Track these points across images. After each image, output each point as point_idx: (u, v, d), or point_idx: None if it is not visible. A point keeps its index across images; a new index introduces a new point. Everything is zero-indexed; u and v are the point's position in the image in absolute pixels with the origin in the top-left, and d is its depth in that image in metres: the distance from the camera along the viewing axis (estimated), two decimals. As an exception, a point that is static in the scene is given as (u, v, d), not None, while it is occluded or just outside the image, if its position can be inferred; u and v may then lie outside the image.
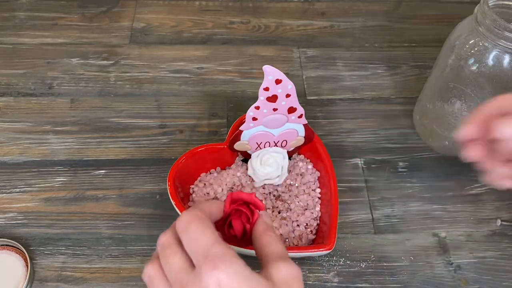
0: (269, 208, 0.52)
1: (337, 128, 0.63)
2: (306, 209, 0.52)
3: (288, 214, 0.51)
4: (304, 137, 0.52)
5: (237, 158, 0.55)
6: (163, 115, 0.63)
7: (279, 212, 0.52)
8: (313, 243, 0.51)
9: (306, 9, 0.78)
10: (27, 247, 0.51)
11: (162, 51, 0.70)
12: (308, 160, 0.55)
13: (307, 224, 0.51)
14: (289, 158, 0.54)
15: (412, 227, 0.55)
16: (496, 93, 0.51)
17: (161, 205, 0.55)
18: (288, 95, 0.45)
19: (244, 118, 0.48)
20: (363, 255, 0.52)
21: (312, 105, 0.65)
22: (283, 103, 0.46)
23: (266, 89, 0.44)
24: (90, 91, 0.65)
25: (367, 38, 0.74)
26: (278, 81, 0.44)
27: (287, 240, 0.50)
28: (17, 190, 0.56)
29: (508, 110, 0.36)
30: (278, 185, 0.53)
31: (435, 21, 0.77)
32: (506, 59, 0.49)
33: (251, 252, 0.42)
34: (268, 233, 0.37)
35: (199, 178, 0.54)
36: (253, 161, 0.53)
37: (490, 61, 0.49)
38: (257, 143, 0.51)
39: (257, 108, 0.46)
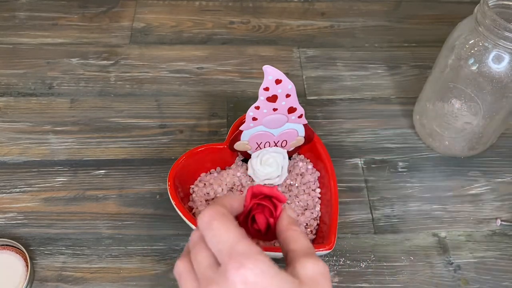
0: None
1: (337, 128, 0.63)
2: (306, 209, 0.52)
3: (288, 214, 0.51)
4: (304, 137, 0.52)
5: (237, 158, 0.55)
6: (163, 115, 0.63)
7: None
8: (313, 243, 0.51)
9: (306, 9, 0.78)
10: (27, 247, 0.51)
11: (162, 51, 0.71)
12: (308, 160, 0.55)
13: (307, 224, 0.51)
14: (289, 158, 0.54)
15: (412, 227, 0.55)
16: (496, 93, 0.51)
17: (161, 205, 0.55)
18: (288, 95, 0.45)
19: (244, 118, 0.48)
20: (363, 255, 0.52)
21: (312, 105, 0.65)
22: (283, 103, 0.46)
23: (266, 89, 0.44)
24: (90, 91, 0.65)
25: (367, 38, 0.74)
26: (278, 81, 0.44)
27: (287, 240, 0.50)
28: (17, 190, 0.56)
29: None
30: (278, 185, 0.53)
31: (435, 21, 0.77)
32: (506, 59, 0.49)
33: (272, 254, 0.42)
34: (293, 228, 0.36)
35: (199, 178, 0.54)
36: (253, 161, 0.53)
37: (490, 61, 0.49)
38: (257, 143, 0.51)
39: (257, 108, 0.46)
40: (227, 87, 0.67)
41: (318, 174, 0.54)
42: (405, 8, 0.79)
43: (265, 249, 0.44)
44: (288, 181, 0.53)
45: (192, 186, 0.53)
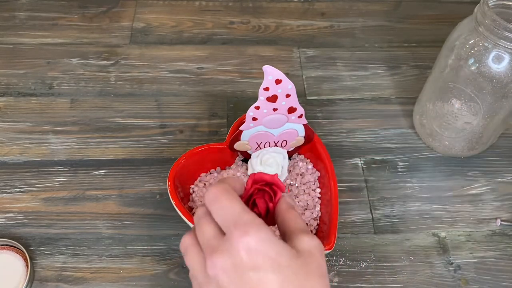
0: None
1: (337, 128, 0.63)
2: (306, 209, 0.52)
3: (288, 214, 0.51)
4: (304, 137, 0.52)
5: (237, 158, 0.55)
6: (163, 115, 0.63)
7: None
8: (313, 243, 0.51)
9: (306, 9, 0.78)
10: (27, 247, 0.51)
11: (162, 51, 0.71)
12: (308, 160, 0.55)
13: (307, 224, 0.51)
14: (289, 158, 0.54)
15: (412, 227, 0.55)
16: (496, 93, 0.51)
17: (161, 205, 0.55)
18: (288, 95, 0.45)
19: (244, 118, 0.48)
20: (363, 255, 0.52)
21: (312, 105, 0.65)
22: (283, 103, 0.46)
23: (266, 89, 0.44)
24: (90, 91, 0.65)
25: (367, 38, 0.74)
26: (278, 81, 0.44)
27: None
28: (17, 190, 0.56)
29: None
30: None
31: (435, 21, 0.77)
32: (506, 59, 0.49)
33: None
34: (291, 211, 0.38)
35: (199, 178, 0.54)
36: (253, 161, 0.53)
37: (490, 61, 0.49)
38: (257, 143, 0.51)
39: (257, 108, 0.46)
40: (227, 87, 0.67)
41: (318, 174, 0.54)
42: (405, 8, 0.79)
43: None
44: (288, 181, 0.53)
45: (192, 186, 0.53)
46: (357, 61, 0.71)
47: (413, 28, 0.76)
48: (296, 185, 0.53)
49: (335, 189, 0.50)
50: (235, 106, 0.64)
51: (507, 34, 0.47)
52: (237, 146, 0.52)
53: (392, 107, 0.65)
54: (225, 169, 0.55)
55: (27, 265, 0.49)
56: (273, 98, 0.45)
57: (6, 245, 0.51)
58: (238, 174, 0.53)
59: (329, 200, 0.50)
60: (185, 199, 0.52)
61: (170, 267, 0.51)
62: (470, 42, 0.50)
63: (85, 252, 0.52)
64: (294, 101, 0.46)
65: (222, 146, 0.53)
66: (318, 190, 0.53)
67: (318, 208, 0.52)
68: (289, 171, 0.54)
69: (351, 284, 0.51)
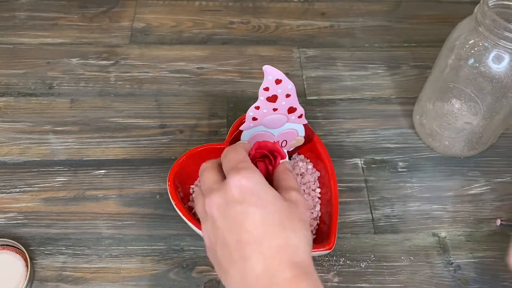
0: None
1: (337, 128, 0.63)
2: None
3: (288, 214, 0.51)
4: (304, 137, 0.52)
5: (237, 158, 0.55)
6: (163, 115, 0.63)
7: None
8: (313, 243, 0.51)
9: (306, 9, 0.78)
10: (27, 247, 0.51)
11: (162, 51, 0.71)
12: (308, 160, 0.55)
13: (307, 224, 0.51)
14: (289, 158, 0.54)
15: (412, 227, 0.55)
16: (496, 93, 0.51)
17: (161, 205, 0.55)
18: (288, 95, 0.45)
19: (244, 118, 0.48)
20: (363, 255, 0.52)
21: (312, 105, 0.65)
22: (283, 103, 0.46)
23: (266, 89, 0.44)
24: (90, 91, 0.65)
25: (367, 38, 0.74)
26: (278, 81, 0.44)
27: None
28: (17, 190, 0.56)
29: None
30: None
31: (435, 21, 0.77)
32: (506, 59, 0.49)
33: None
34: (287, 173, 0.42)
35: (199, 178, 0.54)
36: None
37: (490, 61, 0.49)
38: (257, 143, 0.51)
39: (257, 108, 0.46)
40: (227, 87, 0.67)
41: (318, 174, 0.54)
42: (405, 8, 0.79)
43: None
44: (288, 181, 0.53)
45: (192, 186, 0.53)
46: (357, 61, 0.71)
47: (413, 28, 0.76)
48: (296, 185, 0.53)
49: (335, 189, 0.50)
50: (235, 106, 0.64)
51: (507, 34, 0.47)
52: (237, 146, 0.52)
53: (392, 107, 0.65)
54: (225, 169, 0.55)
55: (27, 265, 0.49)
56: (273, 98, 0.45)
57: (6, 245, 0.51)
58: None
59: (329, 200, 0.50)
60: (185, 199, 0.52)
61: (170, 267, 0.51)
62: (470, 42, 0.50)
63: (85, 252, 0.52)
64: (294, 101, 0.46)
65: (222, 146, 0.53)
66: (318, 190, 0.53)
67: (318, 208, 0.52)
68: (289, 171, 0.54)
69: (351, 284, 0.51)
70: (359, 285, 0.51)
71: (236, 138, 0.50)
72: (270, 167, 0.43)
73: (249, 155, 0.42)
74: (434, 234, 0.54)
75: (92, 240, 0.52)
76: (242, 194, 0.36)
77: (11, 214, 0.54)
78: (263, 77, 0.43)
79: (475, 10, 0.50)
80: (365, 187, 0.58)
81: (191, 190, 0.53)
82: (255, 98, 0.45)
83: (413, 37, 0.74)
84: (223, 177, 0.39)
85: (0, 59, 0.68)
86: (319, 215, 0.52)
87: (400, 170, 0.59)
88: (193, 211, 0.52)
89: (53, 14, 0.75)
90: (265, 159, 0.43)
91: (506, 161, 0.61)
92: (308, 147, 0.54)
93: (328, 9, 0.78)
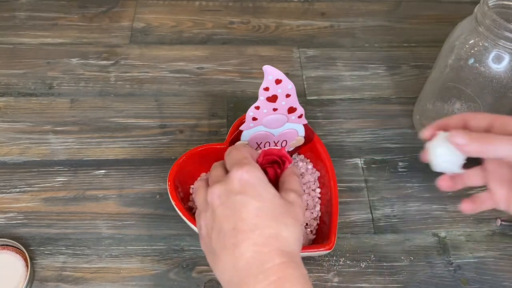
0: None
1: (337, 128, 0.63)
2: (306, 209, 0.52)
3: (288, 214, 0.51)
4: (304, 137, 0.52)
5: (237, 158, 0.55)
6: (163, 115, 0.63)
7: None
8: (313, 243, 0.51)
9: (306, 9, 0.78)
10: (27, 247, 0.51)
11: (162, 51, 0.71)
12: (308, 160, 0.55)
13: (307, 224, 0.51)
14: (289, 158, 0.54)
15: (412, 227, 0.55)
16: (496, 93, 0.51)
17: (161, 205, 0.55)
18: (288, 95, 0.45)
19: (244, 118, 0.48)
20: (363, 255, 0.52)
21: (312, 105, 0.65)
22: (283, 103, 0.46)
23: (266, 89, 0.44)
24: (90, 91, 0.65)
25: (367, 38, 0.74)
26: (278, 81, 0.44)
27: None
28: (17, 190, 0.56)
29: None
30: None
31: (435, 21, 0.77)
32: (506, 59, 0.49)
33: None
34: (293, 176, 0.43)
35: (199, 178, 0.54)
36: (253, 161, 0.52)
37: (490, 61, 0.49)
38: (257, 143, 0.51)
39: (257, 108, 0.46)
40: (227, 87, 0.67)
41: (318, 174, 0.54)
42: (405, 8, 0.79)
43: None
44: (288, 181, 0.53)
45: (192, 186, 0.53)
46: (357, 61, 0.71)
47: (413, 28, 0.76)
48: (296, 185, 0.53)
49: (335, 189, 0.50)
50: (235, 106, 0.64)
51: (507, 34, 0.47)
52: (237, 146, 0.52)
53: (392, 107, 0.65)
54: (225, 169, 0.55)
55: (27, 265, 0.49)
56: (273, 98, 0.45)
57: (6, 245, 0.51)
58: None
59: (329, 200, 0.50)
60: (185, 199, 0.52)
61: (170, 267, 0.51)
62: (470, 42, 0.50)
63: (85, 252, 0.52)
64: (294, 101, 0.46)
65: (222, 146, 0.53)
66: (318, 190, 0.53)
67: (318, 208, 0.52)
68: (289, 171, 0.54)
69: (351, 284, 0.50)
70: (359, 285, 0.51)
71: (236, 138, 0.50)
72: (279, 171, 0.44)
73: (257, 162, 0.43)
74: (434, 234, 0.54)
75: (92, 240, 0.52)
76: (243, 186, 0.38)
77: (11, 214, 0.54)
78: (263, 77, 0.43)
79: (475, 10, 0.50)
80: (365, 187, 0.57)
81: (191, 190, 0.53)
82: (255, 98, 0.45)
83: (413, 37, 0.74)
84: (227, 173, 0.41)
85: (0, 59, 0.68)
86: (319, 215, 0.52)
87: (400, 170, 0.59)
88: (193, 211, 0.52)
89: (53, 14, 0.75)
90: (274, 164, 0.45)
91: (506, 161, 0.60)
92: (308, 147, 0.54)
93: (328, 9, 0.78)
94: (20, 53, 0.69)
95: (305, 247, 0.49)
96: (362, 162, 0.60)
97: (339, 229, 0.50)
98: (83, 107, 0.63)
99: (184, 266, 0.51)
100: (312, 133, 0.52)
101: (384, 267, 0.52)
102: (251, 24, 0.75)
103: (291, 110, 0.47)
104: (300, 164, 0.54)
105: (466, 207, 0.42)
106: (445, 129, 0.40)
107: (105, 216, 0.54)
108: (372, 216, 0.55)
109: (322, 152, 0.53)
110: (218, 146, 0.53)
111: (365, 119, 0.64)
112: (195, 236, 0.52)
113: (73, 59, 0.69)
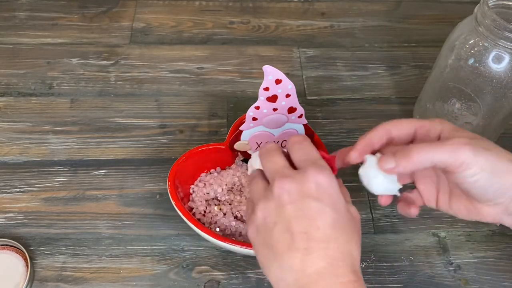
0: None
1: (337, 128, 0.63)
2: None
3: (288, 214, 0.51)
4: (304, 137, 0.52)
5: (237, 158, 0.55)
6: (163, 115, 0.63)
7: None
8: (313, 243, 0.51)
9: (306, 9, 0.78)
10: (27, 247, 0.51)
11: (162, 51, 0.71)
12: (308, 160, 0.55)
13: (307, 224, 0.51)
14: (289, 158, 0.54)
15: (412, 227, 0.55)
16: (496, 93, 0.51)
17: (161, 205, 0.55)
18: (288, 95, 0.45)
19: (244, 118, 0.48)
20: (363, 255, 0.52)
21: (312, 105, 0.65)
22: (283, 103, 0.46)
23: (266, 89, 0.44)
24: (90, 91, 0.65)
25: (367, 38, 0.74)
26: (278, 81, 0.44)
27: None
28: (17, 190, 0.56)
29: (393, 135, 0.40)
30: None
31: (435, 21, 0.77)
32: (506, 59, 0.49)
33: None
34: (344, 187, 0.42)
35: (199, 178, 0.54)
36: (253, 161, 0.52)
37: (490, 61, 0.49)
38: (257, 143, 0.51)
39: (257, 108, 0.46)
40: (227, 87, 0.67)
41: (318, 174, 0.54)
42: (405, 8, 0.79)
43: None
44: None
45: (192, 186, 0.53)
46: (357, 61, 0.71)
47: (413, 28, 0.76)
48: (296, 185, 0.53)
49: (335, 189, 0.50)
50: (235, 106, 0.64)
51: (507, 34, 0.47)
52: (237, 146, 0.52)
53: (392, 107, 0.65)
54: (225, 169, 0.55)
55: (27, 265, 0.49)
56: (273, 98, 0.45)
57: (6, 245, 0.51)
58: (238, 174, 0.53)
59: (329, 200, 0.50)
60: (185, 199, 0.52)
61: (170, 267, 0.51)
62: (470, 42, 0.50)
63: (85, 252, 0.52)
64: (294, 101, 0.47)
65: (222, 146, 0.53)
66: (318, 190, 0.53)
67: (318, 208, 0.52)
68: (289, 171, 0.54)
69: (351, 284, 0.50)
70: (359, 285, 0.50)
71: (236, 138, 0.50)
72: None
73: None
74: (434, 234, 0.54)
75: (92, 240, 0.52)
76: (319, 191, 0.36)
77: (11, 214, 0.54)
78: (263, 77, 0.43)
79: (475, 10, 0.50)
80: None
81: (191, 190, 0.53)
82: (255, 98, 0.46)
83: (413, 37, 0.74)
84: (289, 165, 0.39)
85: (0, 59, 0.68)
86: (319, 215, 0.52)
87: (400, 170, 0.59)
88: (193, 211, 0.52)
89: (53, 14, 0.75)
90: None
91: (506, 161, 0.60)
92: (308, 147, 0.54)
93: (328, 9, 0.78)
94: (20, 53, 0.69)
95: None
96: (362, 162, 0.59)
97: (339, 229, 0.50)
98: (83, 107, 0.63)
99: (184, 266, 0.51)
100: (312, 133, 0.52)
101: (384, 267, 0.52)
102: (251, 24, 0.75)
103: (291, 110, 0.47)
104: (300, 164, 0.54)
105: (402, 209, 0.43)
106: (371, 147, 0.41)
107: (105, 216, 0.54)
108: (372, 216, 0.55)
109: (322, 152, 0.53)
110: (218, 146, 0.53)
111: (365, 119, 0.64)
112: (195, 236, 0.52)
113: (73, 59, 0.69)
